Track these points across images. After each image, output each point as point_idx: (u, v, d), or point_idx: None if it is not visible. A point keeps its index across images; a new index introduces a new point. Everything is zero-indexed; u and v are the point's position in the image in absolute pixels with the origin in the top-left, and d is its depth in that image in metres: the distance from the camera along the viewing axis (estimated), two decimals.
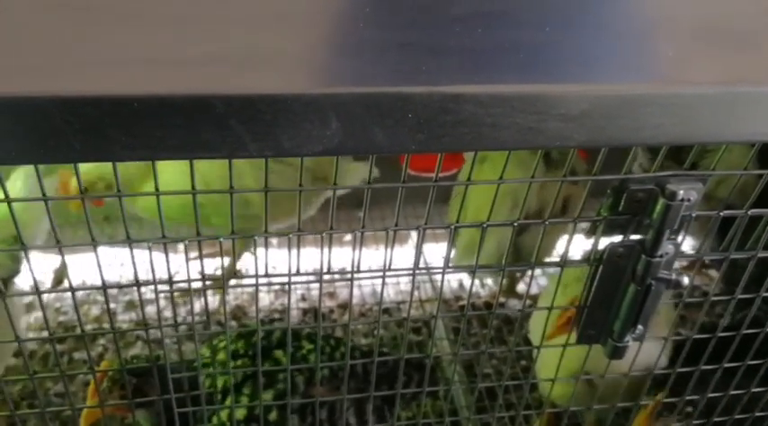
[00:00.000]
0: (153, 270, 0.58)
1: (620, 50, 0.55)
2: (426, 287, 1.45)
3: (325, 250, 0.61)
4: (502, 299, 1.40)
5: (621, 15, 0.58)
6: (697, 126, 0.54)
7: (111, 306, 1.44)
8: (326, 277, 0.62)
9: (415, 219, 1.61)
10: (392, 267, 0.64)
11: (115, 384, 0.84)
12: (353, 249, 0.61)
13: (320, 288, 0.60)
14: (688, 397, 0.83)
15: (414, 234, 0.61)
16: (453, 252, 1.18)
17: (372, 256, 1.46)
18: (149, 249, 0.57)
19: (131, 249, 0.56)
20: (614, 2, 0.58)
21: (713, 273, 1.54)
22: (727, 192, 0.66)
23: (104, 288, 0.58)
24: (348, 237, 1.58)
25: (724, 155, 0.62)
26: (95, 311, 1.45)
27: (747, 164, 0.62)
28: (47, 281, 1.43)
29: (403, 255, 0.65)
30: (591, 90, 0.51)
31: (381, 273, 0.62)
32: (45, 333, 1.31)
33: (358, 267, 0.63)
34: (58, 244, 0.54)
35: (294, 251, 0.60)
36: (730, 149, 0.62)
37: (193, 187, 0.54)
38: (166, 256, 0.60)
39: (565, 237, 0.68)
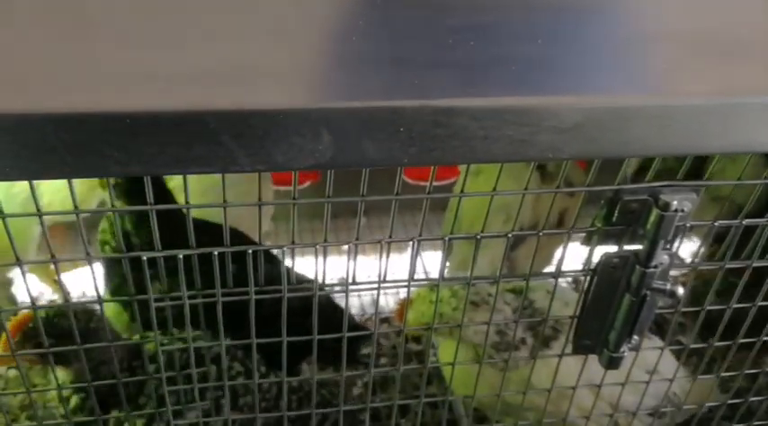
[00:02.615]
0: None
1: (613, 62, 0.55)
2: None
3: (321, 262, 0.61)
4: None
5: (614, 27, 0.58)
6: (690, 137, 0.54)
7: None
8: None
9: (414, 227, 1.62)
10: (389, 276, 0.64)
11: (28, 340, 0.74)
12: (348, 260, 0.61)
13: (315, 302, 0.60)
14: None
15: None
16: (447, 268, 1.19)
17: (372, 263, 1.45)
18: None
19: (126, 263, 0.57)
20: (607, 14, 0.59)
21: None
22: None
23: (100, 301, 0.58)
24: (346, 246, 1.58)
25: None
26: None
27: (741, 175, 0.62)
28: (45, 292, 1.43)
29: (403, 262, 0.65)
30: (583, 102, 0.51)
31: (377, 285, 0.63)
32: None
33: (353, 278, 0.63)
34: (53, 258, 0.54)
35: (292, 262, 0.60)
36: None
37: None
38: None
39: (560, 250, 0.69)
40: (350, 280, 0.62)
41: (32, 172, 0.45)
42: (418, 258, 1.53)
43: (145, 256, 0.56)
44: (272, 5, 0.52)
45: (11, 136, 0.43)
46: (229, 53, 0.49)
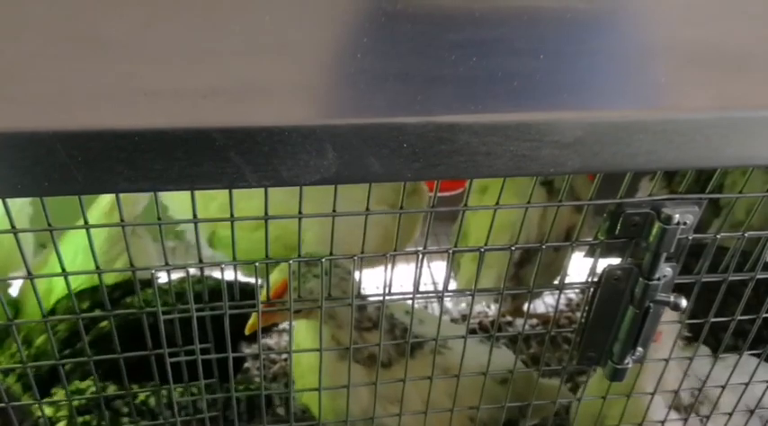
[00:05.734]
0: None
1: (614, 77, 0.56)
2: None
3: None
4: (509, 319, 1.41)
5: (615, 42, 0.58)
6: (691, 151, 0.54)
7: None
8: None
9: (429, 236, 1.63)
10: (398, 286, 0.64)
11: None
12: (353, 272, 0.61)
13: (321, 314, 0.61)
14: None
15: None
16: (455, 285, 1.20)
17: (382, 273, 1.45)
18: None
19: (135, 275, 0.58)
20: (608, 29, 0.59)
21: None
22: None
23: (111, 314, 0.59)
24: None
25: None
26: None
27: (742, 188, 0.63)
28: None
29: (413, 271, 0.65)
30: (585, 117, 0.52)
31: (382, 298, 0.63)
32: None
33: (359, 291, 0.64)
34: (63, 272, 0.55)
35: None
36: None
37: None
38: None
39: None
40: (356, 293, 0.63)
41: (43, 188, 0.46)
42: (427, 269, 1.54)
43: (154, 270, 0.57)
44: (278, 23, 0.52)
45: (22, 153, 0.44)
46: (235, 70, 0.49)
